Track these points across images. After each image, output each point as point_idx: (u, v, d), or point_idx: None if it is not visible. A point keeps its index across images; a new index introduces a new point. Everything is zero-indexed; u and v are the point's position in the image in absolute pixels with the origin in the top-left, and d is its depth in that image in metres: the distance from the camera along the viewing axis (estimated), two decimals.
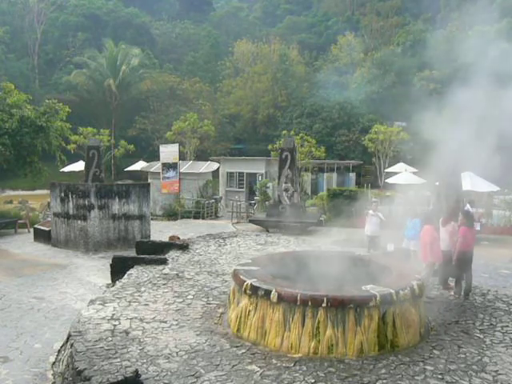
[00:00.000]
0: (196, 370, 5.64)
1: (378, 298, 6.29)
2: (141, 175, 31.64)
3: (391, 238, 12.17)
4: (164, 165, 24.59)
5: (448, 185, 10.76)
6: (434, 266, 9.63)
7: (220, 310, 7.79)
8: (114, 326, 6.93)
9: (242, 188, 30.32)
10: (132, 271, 10.00)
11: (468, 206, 15.21)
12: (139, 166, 32.06)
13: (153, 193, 19.29)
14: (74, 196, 15.00)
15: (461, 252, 8.92)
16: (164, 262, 10.81)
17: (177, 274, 9.88)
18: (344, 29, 54.11)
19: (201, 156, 34.06)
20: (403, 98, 38.76)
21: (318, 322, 6.23)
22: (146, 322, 7.11)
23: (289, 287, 6.65)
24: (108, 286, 10.03)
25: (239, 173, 30.54)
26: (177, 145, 25.70)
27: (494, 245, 15.64)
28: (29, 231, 17.69)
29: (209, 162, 29.35)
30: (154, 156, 33.38)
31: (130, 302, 8.02)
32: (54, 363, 6.89)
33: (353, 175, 34.20)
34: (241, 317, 6.83)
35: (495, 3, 37.63)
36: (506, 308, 8.24)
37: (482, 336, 6.95)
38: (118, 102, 43.22)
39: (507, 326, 7.33)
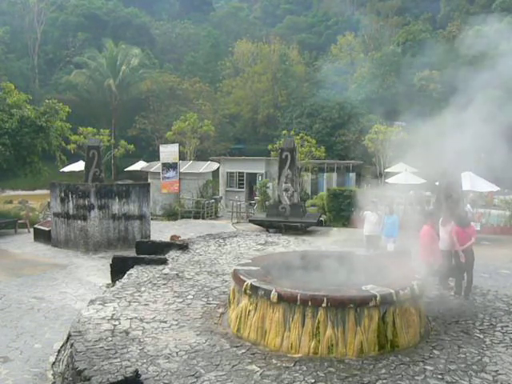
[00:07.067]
0: (196, 369, 5.64)
1: (378, 298, 6.29)
2: (141, 175, 31.62)
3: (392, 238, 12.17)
4: (164, 165, 24.60)
5: (448, 185, 10.76)
6: (434, 266, 9.62)
7: (220, 310, 7.79)
8: (114, 325, 6.93)
9: (242, 188, 30.32)
10: (132, 271, 9.99)
11: (468, 206, 15.22)
12: (139, 166, 32.04)
13: (153, 193, 19.28)
14: (74, 196, 15.00)
15: (455, 252, 9.03)
16: (164, 262, 10.80)
17: (177, 274, 9.88)
18: (344, 29, 54.07)
19: (201, 156, 34.03)
20: (403, 98, 38.78)
21: (318, 322, 6.23)
22: (146, 322, 7.11)
23: (289, 287, 6.65)
24: (108, 286, 10.04)
25: (239, 173, 30.54)
26: (177, 145, 25.71)
27: (494, 245, 15.64)
28: (29, 231, 17.68)
29: (209, 161, 29.33)
30: (154, 156, 33.36)
31: (130, 302, 8.03)
32: (53, 363, 6.89)
33: (353, 175, 34.17)
34: (241, 317, 6.83)
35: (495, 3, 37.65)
36: (506, 308, 8.24)
37: (482, 336, 6.95)
38: (118, 101, 43.19)
39: (507, 326, 7.34)
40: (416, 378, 5.58)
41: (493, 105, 9.03)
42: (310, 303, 6.26)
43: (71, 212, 15.02)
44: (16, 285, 10.77)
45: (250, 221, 18.85)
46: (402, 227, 12.13)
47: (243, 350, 6.28)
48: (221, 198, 27.71)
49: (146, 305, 7.91)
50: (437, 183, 13.06)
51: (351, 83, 42.89)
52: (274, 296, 6.42)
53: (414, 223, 10.65)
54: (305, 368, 5.79)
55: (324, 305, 6.19)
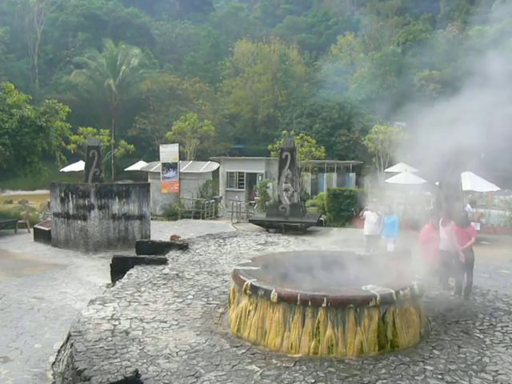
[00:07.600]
0: (196, 369, 5.64)
1: (377, 298, 6.29)
2: (141, 175, 31.63)
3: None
4: (164, 165, 24.61)
5: (448, 185, 10.75)
6: (434, 266, 9.62)
7: (220, 310, 7.79)
8: (114, 325, 6.93)
9: (242, 188, 30.32)
10: (132, 271, 9.99)
11: (468, 206, 15.22)
12: (139, 166, 32.06)
13: (153, 193, 19.28)
14: (74, 196, 15.00)
15: (455, 252, 9.06)
16: (164, 262, 10.81)
17: (177, 274, 9.88)
18: (344, 29, 54.10)
19: (201, 156, 34.04)
20: (403, 98, 38.76)
21: (318, 322, 6.23)
22: (146, 322, 7.11)
23: (289, 287, 6.65)
24: (108, 286, 10.04)
25: (239, 173, 30.56)
26: (177, 145, 25.72)
27: (493, 245, 15.64)
28: (29, 231, 17.68)
29: (209, 161, 29.35)
30: (154, 156, 33.37)
31: (130, 302, 8.02)
32: (53, 363, 6.89)
33: (353, 175, 34.19)
34: (241, 317, 6.83)
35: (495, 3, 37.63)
36: (506, 308, 8.24)
37: (481, 336, 6.95)
38: (117, 101, 43.21)
39: (507, 326, 7.33)
40: (416, 377, 5.58)
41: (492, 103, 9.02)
42: (310, 303, 6.26)
43: (71, 212, 15.02)
44: (16, 285, 10.77)
45: (250, 221, 18.85)
46: (402, 227, 12.15)
47: (243, 350, 6.28)
48: (221, 198, 27.72)
49: (146, 305, 7.90)
50: (437, 183, 13.05)
51: (351, 83, 42.89)
52: (273, 296, 6.42)
53: (414, 223, 10.67)
54: (305, 368, 5.79)
55: (324, 305, 6.19)
